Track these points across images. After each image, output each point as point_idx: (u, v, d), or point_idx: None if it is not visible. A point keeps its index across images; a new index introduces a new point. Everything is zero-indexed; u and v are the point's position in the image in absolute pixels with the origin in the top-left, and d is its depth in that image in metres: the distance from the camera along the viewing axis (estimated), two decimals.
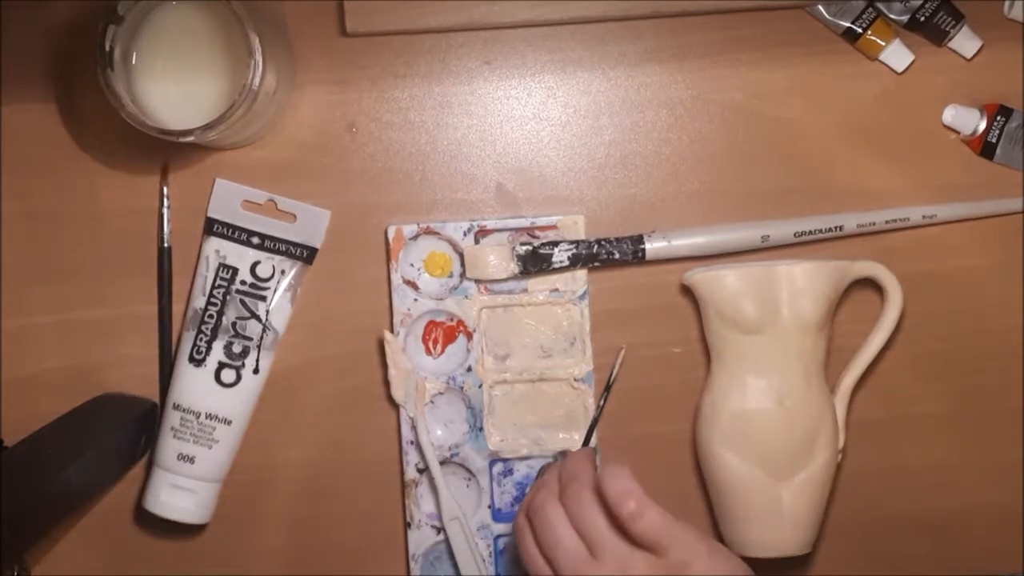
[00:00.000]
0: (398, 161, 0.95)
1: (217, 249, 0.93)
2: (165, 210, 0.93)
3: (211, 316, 0.92)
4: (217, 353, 0.92)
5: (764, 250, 0.94)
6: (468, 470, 0.95)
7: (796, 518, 0.91)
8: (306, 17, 0.94)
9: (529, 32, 0.94)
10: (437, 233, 0.94)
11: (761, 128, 0.94)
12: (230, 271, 0.93)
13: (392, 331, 0.94)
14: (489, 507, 0.94)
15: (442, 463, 0.94)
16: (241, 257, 0.93)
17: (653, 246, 0.93)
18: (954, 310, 0.95)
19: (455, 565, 0.94)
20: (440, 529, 0.94)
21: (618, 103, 0.95)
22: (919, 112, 0.95)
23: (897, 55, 0.94)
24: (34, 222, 0.94)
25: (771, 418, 0.90)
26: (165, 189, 0.93)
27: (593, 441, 0.94)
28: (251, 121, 0.88)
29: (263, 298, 0.93)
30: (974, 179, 0.95)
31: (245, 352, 0.93)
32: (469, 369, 0.94)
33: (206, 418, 0.92)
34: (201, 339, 0.92)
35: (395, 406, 0.94)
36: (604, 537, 0.79)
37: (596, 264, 0.93)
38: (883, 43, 0.93)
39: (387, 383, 0.94)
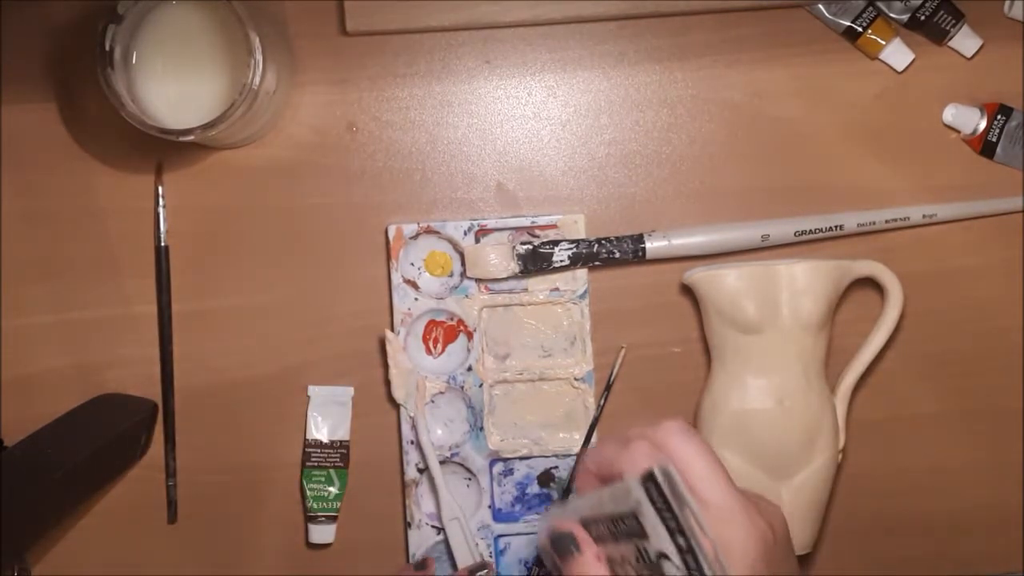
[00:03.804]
0: (398, 161, 0.94)
1: None
2: (160, 209, 0.93)
3: None
4: None
5: (764, 249, 0.94)
6: (468, 470, 0.94)
7: (796, 518, 0.91)
8: (306, 17, 0.94)
9: (529, 31, 0.94)
10: (437, 232, 0.94)
11: (761, 127, 0.94)
12: None
13: (393, 330, 0.94)
14: (489, 507, 0.94)
15: (442, 463, 0.94)
16: None
17: (653, 245, 0.93)
18: (954, 310, 0.95)
19: (455, 565, 0.94)
20: (440, 529, 0.94)
21: (618, 102, 0.95)
22: (919, 111, 0.95)
23: (897, 54, 0.94)
24: (34, 222, 0.94)
25: (771, 418, 0.90)
26: (160, 188, 0.93)
27: (593, 440, 0.94)
28: (251, 120, 0.88)
29: None
30: (974, 179, 0.95)
31: None
32: (469, 368, 0.94)
33: None
34: None
35: (395, 406, 0.94)
36: None
37: (596, 263, 0.93)
38: (883, 42, 0.93)
39: (387, 383, 0.94)
